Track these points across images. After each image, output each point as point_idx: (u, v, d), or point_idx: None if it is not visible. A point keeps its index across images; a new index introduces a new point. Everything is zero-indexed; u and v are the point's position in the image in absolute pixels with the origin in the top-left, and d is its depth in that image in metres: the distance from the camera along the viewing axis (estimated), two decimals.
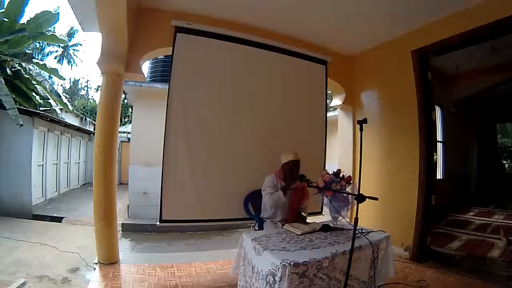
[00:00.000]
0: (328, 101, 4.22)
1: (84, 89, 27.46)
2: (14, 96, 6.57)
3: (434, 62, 3.61)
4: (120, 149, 10.48)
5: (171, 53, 3.14)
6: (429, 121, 3.45)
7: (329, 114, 4.16)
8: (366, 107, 4.24)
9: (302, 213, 2.77)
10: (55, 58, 24.10)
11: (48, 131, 7.29)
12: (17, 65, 7.45)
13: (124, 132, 11.61)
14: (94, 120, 11.39)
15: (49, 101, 8.43)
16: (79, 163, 10.54)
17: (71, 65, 25.21)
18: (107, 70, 2.99)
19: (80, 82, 27.34)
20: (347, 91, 4.34)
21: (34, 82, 7.60)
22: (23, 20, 7.04)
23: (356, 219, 1.79)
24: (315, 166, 3.51)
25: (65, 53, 24.52)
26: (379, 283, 2.13)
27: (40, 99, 8.24)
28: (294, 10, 3.22)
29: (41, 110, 7.39)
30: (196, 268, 3.00)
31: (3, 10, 6.77)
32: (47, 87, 7.75)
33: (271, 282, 1.63)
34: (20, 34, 6.92)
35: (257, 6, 3.20)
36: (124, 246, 4.71)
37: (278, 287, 1.59)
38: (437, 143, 3.75)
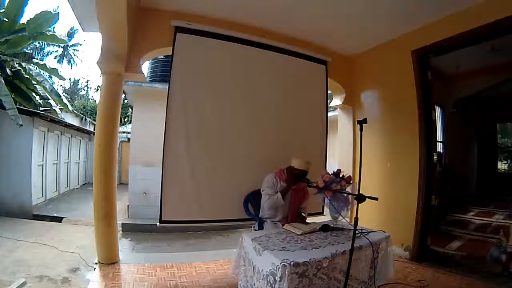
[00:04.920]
0: (328, 101, 4.22)
1: (84, 89, 27.49)
2: (14, 96, 6.57)
3: (434, 62, 3.60)
4: (120, 149, 10.48)
5: (171, 53, 3.14)
6: (429, 121, 3.45)
7: (329, 114, 4.16)
8: (366, 107, 4.24)
9: (302, 213, 2.77)
10: (55, 58, 24.13)
11: (48, 131, 7.29)
12: (17, 65, 7.44)
13: (124, 132, 11.60)
14: (94, 120, 11.40)
15: (49, 101, 8.43)
16: (79, 163, 10.55)
17: (71, 65, 25.25)
18: (107, 70, 2.99)
19: (80, 82, 27.38)
20: (347, 91, 4.34)
21: (34, 82, 7.60)
22: (23, 20, 7.04)
23: (356, 219, 1.79)
24: (315, 166, 3.49)
25: (65, 53, 24.52)
26: (379, 283, 2.13)
27: (40, 99, 8.24)
28: (294, 10, 3.22)
29: (41, 110, 7.39)
30: (196, 268, 3.00)
31: (3, 10, 6.77)
32: (47, 87, 7.75)
33: (271, 282, 1.63)
34: (20, 34, 6.92)
35: (257, 6, 3.20)
36: (124, 246, 4.72)
37: (278, 286, 1.59)
38: (437, 143, 3.74)
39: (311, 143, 3.85)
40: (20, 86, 7.27)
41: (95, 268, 2.90)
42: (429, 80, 3.49)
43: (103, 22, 2.75)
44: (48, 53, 23.19)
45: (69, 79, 26.04)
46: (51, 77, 9.97)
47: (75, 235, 4.78)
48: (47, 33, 7.43)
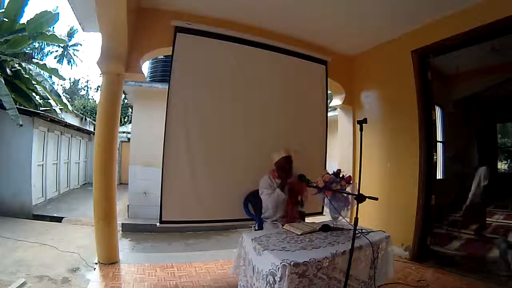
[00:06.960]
0: (328, 101, 4.22)
1: (84, 89, 27.47)
2: (14, 96, 6.58)
3: (434, 62, 3.60)
4: (120, 149, 10.48)
5: (171, 53, 3.14)
6: (429, 121, 3.45)
7: (329, 114, 4.16)
8: (366, 107, 4.24)
9: (301, 209, 2.78)
10: (55, 58, 24.08)
11: (48, 131, 7.29)
12: (17, 65, 7.45)
13: (124, 132, 11.60)
14: (94, 120, 11.39)
15: (49, 101, 8.44)
16: (79, 163, 10.55)
17: (71, 65, 25.20)
18: (107, 70, 2.99)
19: (80, 82, 27.36)
20: (347, 91, 4.34)
21: (34, 82, 7.61)
22: (23, 20, 7.05)
23: (356, 219, 1.79)
24: (315, 166, 3.51)
25: (65, 53, 24.49)
26: (379, 283, 2.13)
27: (40, 99, 8.25)
28: (294, 10, 3.22)
29: (41, 110, 7.39)
30: (196, 268, 3.00)
31: (3, 10, 6.78)
32: (47, 87, 7.76)
33: (271, 282, 1.63)
34: (20, 34, 6.93)
35: (257, 6, 3.20)
36: (124, 246, 4.71)
37: (278, 287, 1.59)
38: (437, 143, 3.75)
39: (311, 143, 3.85)
40: (20, 86, 7.28)
41: (95, 268, 2.90)
42: (429, 80, 3.49)
43: (103, 22, 2.75)
44: (48, 53, 23.19)
45: (69, 79, 26.06)
46: (51, 77, 9.98)
47: (75, 235, 4.78)
48: (47, 33, 7.43)
